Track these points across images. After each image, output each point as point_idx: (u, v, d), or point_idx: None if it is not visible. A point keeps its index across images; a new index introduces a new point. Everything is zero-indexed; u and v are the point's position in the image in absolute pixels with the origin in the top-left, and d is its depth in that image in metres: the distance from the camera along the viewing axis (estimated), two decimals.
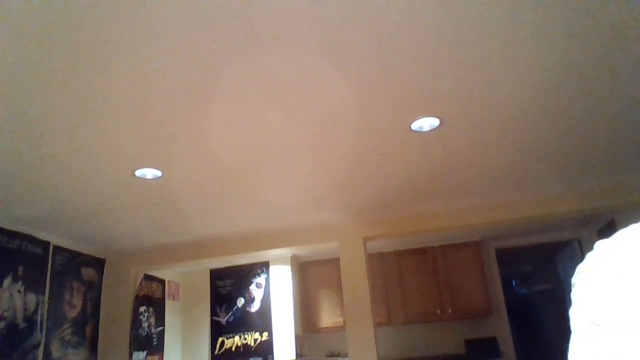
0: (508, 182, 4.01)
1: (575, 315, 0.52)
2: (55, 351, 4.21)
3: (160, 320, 5.56)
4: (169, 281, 5.88)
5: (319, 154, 3.17)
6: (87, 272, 4.79)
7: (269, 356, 5.50)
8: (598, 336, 0.48)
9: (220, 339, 5.75)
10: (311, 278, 6.02)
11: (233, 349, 5.67)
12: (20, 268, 3.91)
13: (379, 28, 1.97)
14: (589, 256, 0.54)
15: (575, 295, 0.53)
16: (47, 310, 4.16)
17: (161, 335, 5.52)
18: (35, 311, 4.01)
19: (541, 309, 7.80)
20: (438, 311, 5.71)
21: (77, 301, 4.58)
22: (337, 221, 4.73)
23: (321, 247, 5.39)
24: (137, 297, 5.11)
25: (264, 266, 5.81)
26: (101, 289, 4.97)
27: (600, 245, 0.53)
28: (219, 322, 5.82)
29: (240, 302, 5.80)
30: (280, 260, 5.79)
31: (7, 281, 3.76)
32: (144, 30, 1.87)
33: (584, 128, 3.08)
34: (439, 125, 2.88)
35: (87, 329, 4.68)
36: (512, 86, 2.51)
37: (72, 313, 4.49)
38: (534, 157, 3.50)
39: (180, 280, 6.19)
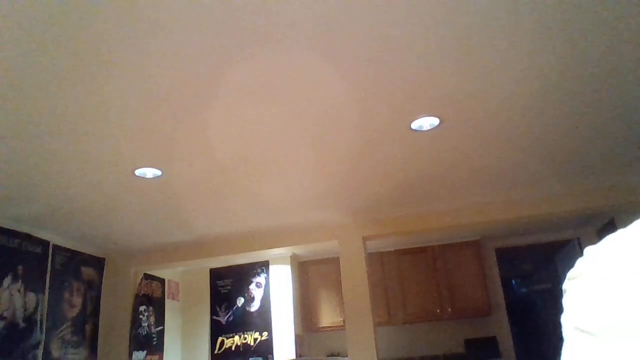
0: (508, 181, 4.01)
1: (565, 321, 0.52)
2: (55, 351, 4.21)
3: (160, 319, 5.56)
4: (168, 280, 5.88)
5: (318, 153, 3.17)
6: (87, 272, 4.79)
7: (269, 356, 5.50)
8: (586, 343, 0.48)
9: (220, 339, 5.75)
10: (311, 277, 6.02)
11: (233, 348, 5.67)
12: (20, 267, 3.91)
13: (379, 28, 1.97)
14: (578, 262, 0.53)
15: (565, 301, 0.53)
16: (47, 309, 4.16)
17: (161, 334, 5.52)
18: (35, 311, 4.01)
19: (541, 308, 7.80)
20: (438, 310, 5.70)
21: (77, 301, 4.58)
22: (337, 220, 4.73)
23: (321, 247, 5.39)
24: (136, 297, 5.11)
25: (263, 265, 5.81)
26: (101, 289, 4.97)
27: (589, 251, 0.53)
28: (218, 321, 5.82)
29: (240, 301, 5.80)
30: (280, 260, 5.79)
31: (6, 280, 3.76)
32: (144, 30, 1.87)
33: (584, 128, 3.08)
34: (438, 125, 2.88)
35: (87, 328, 4.68)
36: (512, 86, 2.51)
37: (72, 312, 4.49)
38: (534, 156, 3.50)
39: (180, 280, 6.19)
